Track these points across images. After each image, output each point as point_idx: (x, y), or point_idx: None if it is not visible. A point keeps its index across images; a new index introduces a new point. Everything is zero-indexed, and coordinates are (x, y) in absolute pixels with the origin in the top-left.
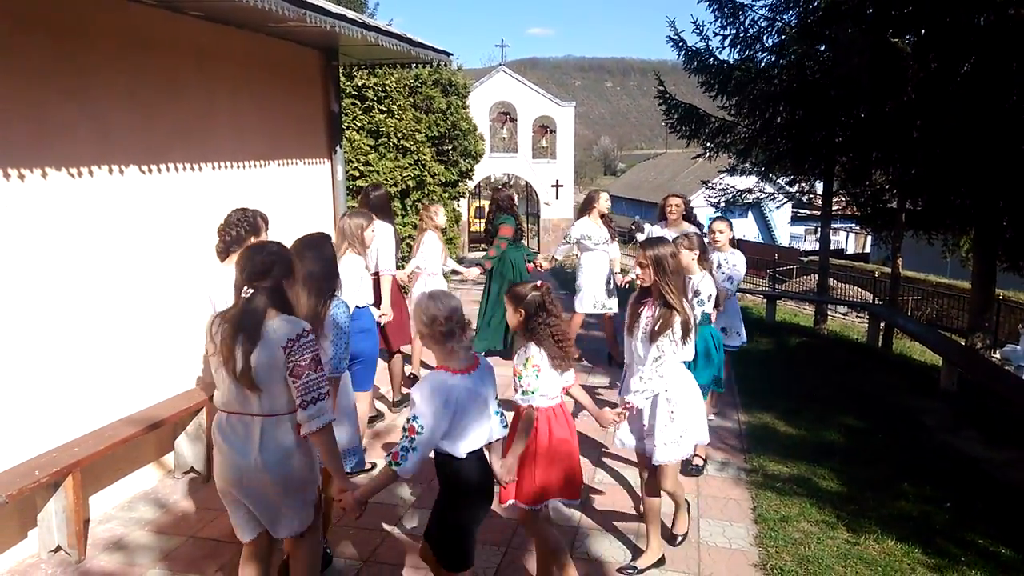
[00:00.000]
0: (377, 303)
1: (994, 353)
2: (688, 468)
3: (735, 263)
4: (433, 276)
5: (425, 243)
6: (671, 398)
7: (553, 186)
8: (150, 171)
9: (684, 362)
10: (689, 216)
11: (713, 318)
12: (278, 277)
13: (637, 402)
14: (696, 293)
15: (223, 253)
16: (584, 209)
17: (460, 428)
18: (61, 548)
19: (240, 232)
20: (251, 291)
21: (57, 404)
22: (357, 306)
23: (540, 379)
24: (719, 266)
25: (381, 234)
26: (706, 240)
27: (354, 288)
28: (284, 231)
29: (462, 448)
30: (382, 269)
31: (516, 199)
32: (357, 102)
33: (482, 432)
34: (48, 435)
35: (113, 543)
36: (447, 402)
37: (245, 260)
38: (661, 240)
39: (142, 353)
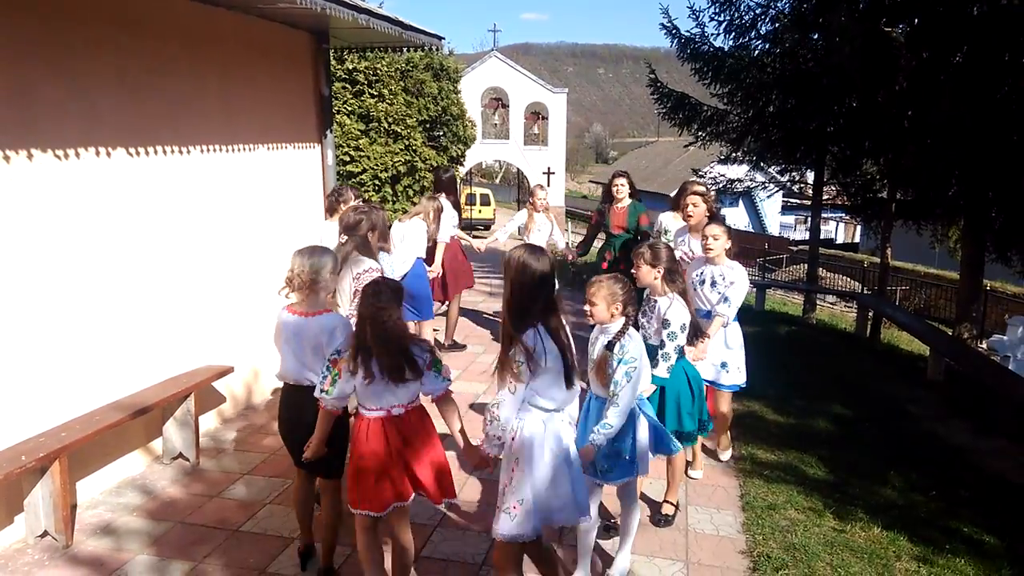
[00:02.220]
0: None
1: (981, 343)
2: (657, 519)
3: (733, 280)
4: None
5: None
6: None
7: (544, 173)
8: (138, 154)
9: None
10: (715, 218)
11: (701, 353)
12: (364, 230)
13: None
14: (665, 323)
15: (327, 212)
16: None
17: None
18: (48, 533)
19: (332, 200)
20: (345, 238)
21: (44, 389)
22: (418, 257)
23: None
24: (713, 284)
25: (446, 212)
26: (700, 248)
27: (417, 245)
28: (273, 216)
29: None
30: (438, 238)
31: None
32: (348, 86)
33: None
34: (35, 420)
35: (101, 528)
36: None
37: (344, 217)
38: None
39: (130, 338)
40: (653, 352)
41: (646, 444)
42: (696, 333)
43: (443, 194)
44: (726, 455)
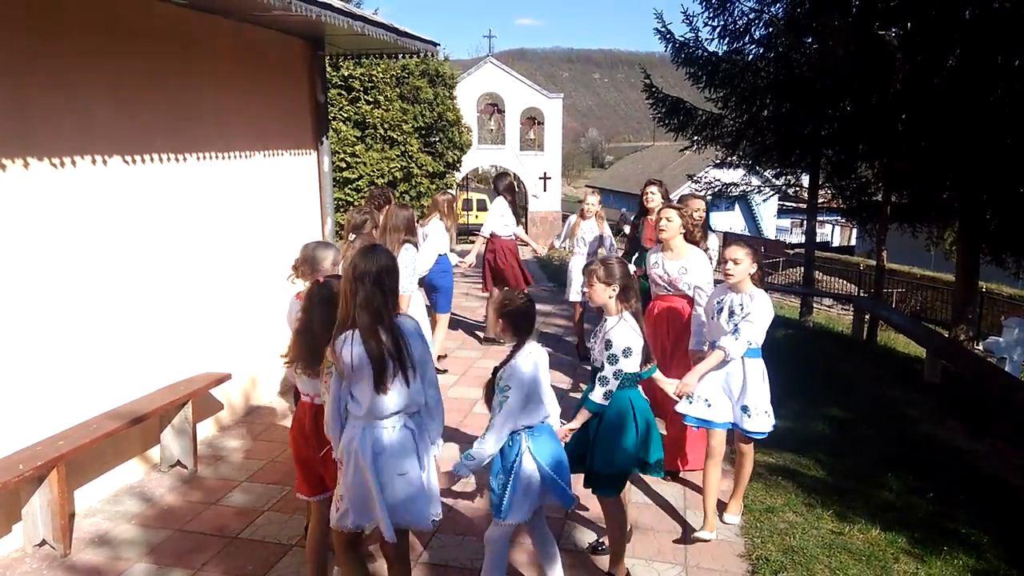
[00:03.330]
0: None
1: (977, 345)
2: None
3: (751, 311)
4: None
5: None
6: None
7: (541, 178)
8: (134, 162)
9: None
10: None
11: (687, 388)
12: (369, 229)
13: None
14: (607, 344)
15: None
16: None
17: None
18: (46, 542)
19: (372, 206)
20: (353, 236)
21: (42, 397)
22: (441, 254)
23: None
24: (731, 313)
25: (493, 208)
26: (676, 270)
27: (438, 242)
28: (270, 223)
29: None
30: (482, 231)
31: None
32: (343, 92)
33: None
34: (32, 429)
35: (98, 537)
36: None
37: (350, 217)
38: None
39: (127, 346)
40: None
41: (526, 488)
42: (647, 359)
43: (500, 197)
44: (734, 518)
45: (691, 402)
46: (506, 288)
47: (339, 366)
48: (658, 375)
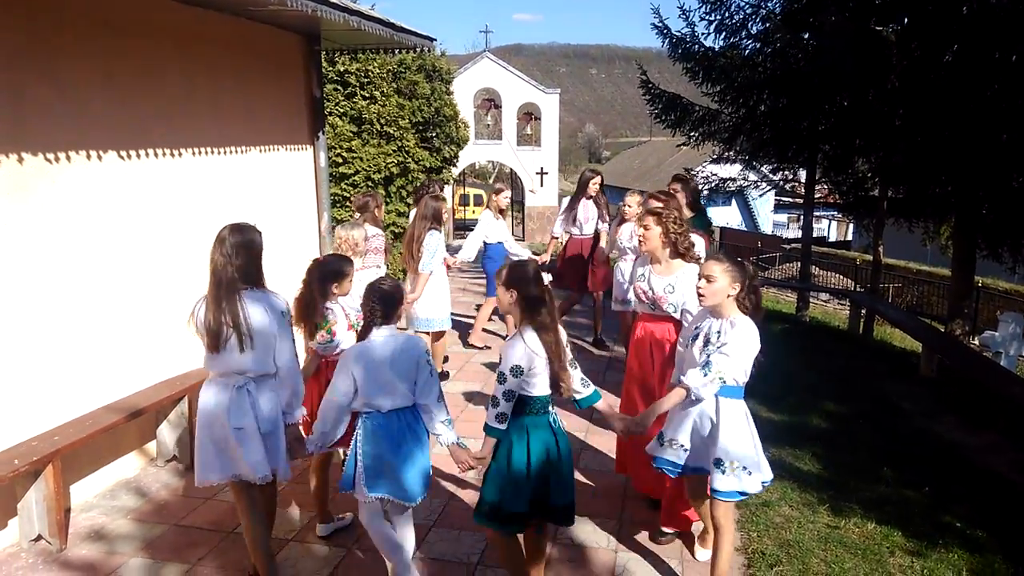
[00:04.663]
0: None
1: (973, 339)
2: None
3: (729, 341)
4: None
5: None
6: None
7: (538, 173)
8: (130, 156)
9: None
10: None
11: (636, 427)
12: (371, 208)
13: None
14: (500, 360)
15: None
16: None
17: None
18: (42, 537)
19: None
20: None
21: (37, 392)
22: (489, 242)
23: None
24: (707, 342)
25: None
26: (661, 287)
27: (480, 232)
28: (266, 218)
29: None
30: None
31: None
32: (339, 88)
33: None
34: (28, 423)
35: (95, 532)
36: None
37: (355, 200)
38: None
39: (123, 341)
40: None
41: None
42: (555, 385)
43: (582, 196)
44: (703, 554)
45: (662, 444)
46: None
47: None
48: (602, 406)
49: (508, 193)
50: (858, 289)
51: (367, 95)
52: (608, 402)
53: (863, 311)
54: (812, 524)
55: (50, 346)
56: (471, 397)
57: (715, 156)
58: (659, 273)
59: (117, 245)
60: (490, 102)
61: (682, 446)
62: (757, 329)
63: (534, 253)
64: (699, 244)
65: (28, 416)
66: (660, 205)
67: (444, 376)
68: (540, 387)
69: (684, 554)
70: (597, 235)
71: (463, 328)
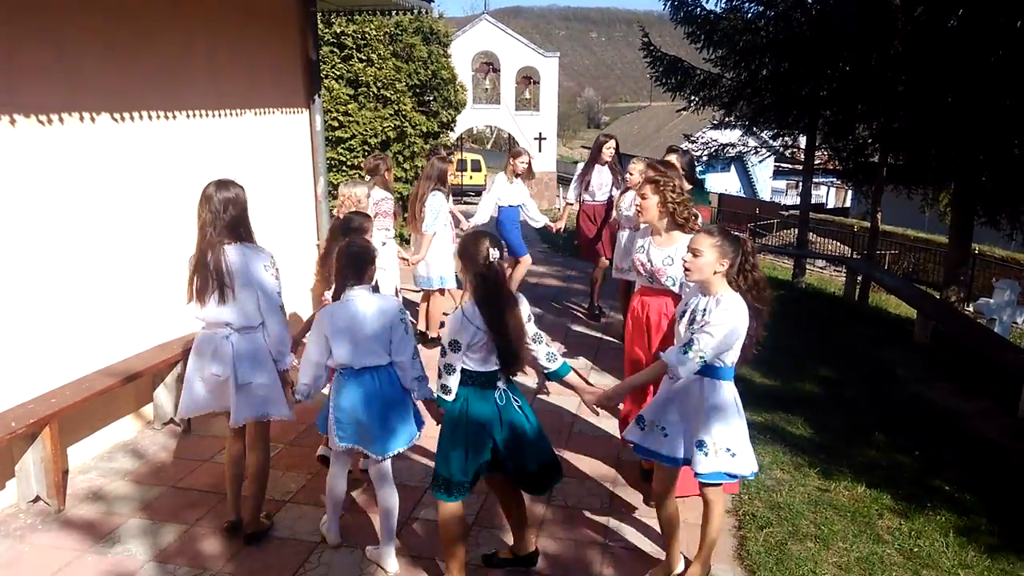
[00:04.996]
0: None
1: (967, 306)
2: None
3: (713, 320)
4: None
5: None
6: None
7: (536, 139)
8: (123, 119)
9: None
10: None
11: (607, 400)
12: (382, 171)
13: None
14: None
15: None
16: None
17: None
18: (40, 498)
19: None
20: (368, 178)
21: (34, 355)
22: (502, 206)
23: None
24: (692, 321)
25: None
26: (660, 259)
27: (493, 196)
28: (262, 181)
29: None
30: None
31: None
32: (336, 50)
33: None
34: (25, 386)
35: (93, 493)
36: None
37: (366, 164)
38: None
39: (119, 304)
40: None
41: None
42: (507, 359)
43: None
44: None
45: (642, 427)
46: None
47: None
48: (573, 379)
49: (526, 158)
50: (855, 256)
51: (363, 57)
52: (580, 374)
53: (859, 278)
54: (802, 487)
55: (46, 309)
56: None
57: (715, 122)
58: (658, 244)
59: (112, 208)
60: (488, 65)
61: (663, 430)
62: (746, 308)
63: (548, 221)
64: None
65: (25, 379)
66: (660, 172)
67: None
68: (483, 363)
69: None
70: (611, 202)
71: None
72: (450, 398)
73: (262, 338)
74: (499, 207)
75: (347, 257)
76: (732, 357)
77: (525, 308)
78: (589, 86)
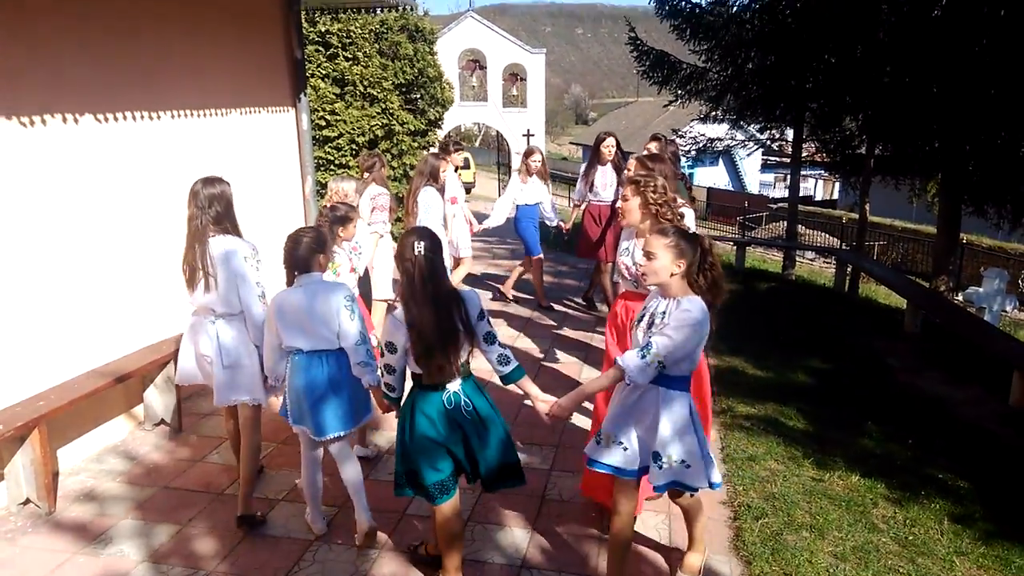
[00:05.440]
0: None
1: (957, 296)
2: None
3: (672, 322)
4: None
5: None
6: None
7: (524, 135)
8: (106, 119)
9: None
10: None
11: (560, 410)
12: (377, 168)
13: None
14: None
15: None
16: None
17: None
18: (30, 500)
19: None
20: (367, 175)
21: (21, 357)
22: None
23: None
24: (651, 326)
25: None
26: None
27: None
28: (250, 181)
29: None
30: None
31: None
32: (321, 49)
33: None
34: (12, 389)
35: (84, 495)
36: None
37: (360, 161)
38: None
39: (108, 306)
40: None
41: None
42: (419, 359)
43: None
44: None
45: (599, 442)
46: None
47: None
48: (526, 384)
49: (539, 156)
50: (844, 247)
51: (349, 56)
52: (536, 382)
53: (848, 268)
54: (797, 477)
55: (33, 311)
56: None
57: (702, 115)
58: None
59: (99, 209)
60: (475, 63)
61: (622, 445)
62: (707, 313)
63: (560, 220)
64: (689, 218)
65: (13, 381)
66: (643, 173)
67: None
68: (411, 363)
69: (671, 507)
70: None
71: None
72: (395, 395)
73: (244, 325)
74: (516, 206)
75: (291, 246)
76: (689, 365)
77: (473, 307)
78: (576, 82)
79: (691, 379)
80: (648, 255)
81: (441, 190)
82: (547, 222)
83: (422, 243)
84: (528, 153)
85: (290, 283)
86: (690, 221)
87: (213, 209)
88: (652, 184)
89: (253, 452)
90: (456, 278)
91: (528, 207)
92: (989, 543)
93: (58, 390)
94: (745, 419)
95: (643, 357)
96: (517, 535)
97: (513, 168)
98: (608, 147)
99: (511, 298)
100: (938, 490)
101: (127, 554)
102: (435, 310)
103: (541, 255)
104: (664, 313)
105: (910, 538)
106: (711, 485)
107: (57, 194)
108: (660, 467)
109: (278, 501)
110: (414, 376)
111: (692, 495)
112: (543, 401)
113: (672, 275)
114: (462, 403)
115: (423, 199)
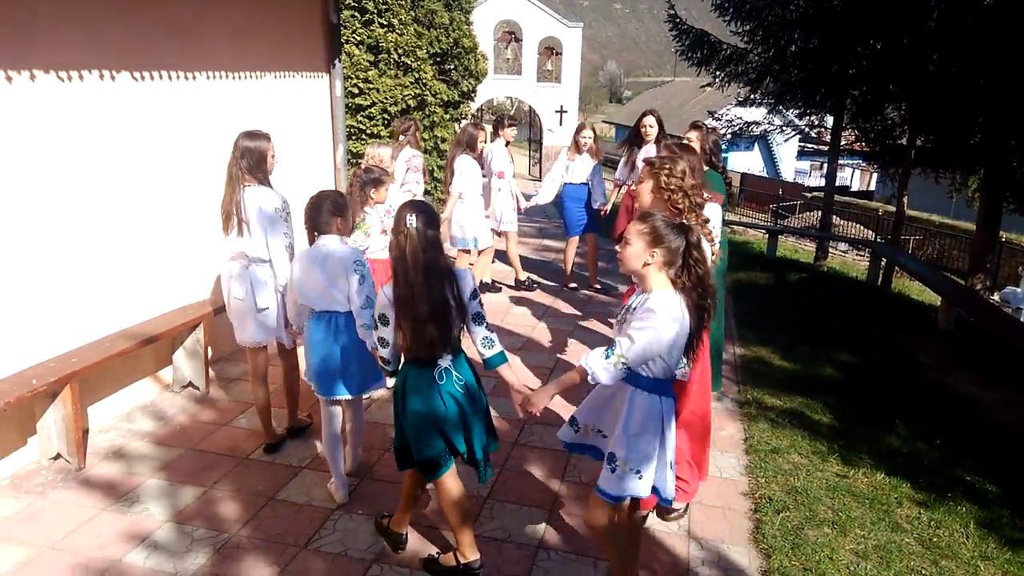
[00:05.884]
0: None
1: (993, 295)
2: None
3: (641, 321)
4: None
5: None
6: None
7: (557, 111)
8: (143, 78)
9: None
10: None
11: (529, 405)
12: (412, 131)
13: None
14: None
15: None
16: None
17: None
18: (61, 456)
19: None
20: (402, 138)
21: (55, 315)
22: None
23: None
24: (623, 322)
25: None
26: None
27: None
28: (282, 146)
29: None
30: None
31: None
32: (357, 14)
33: None
34: (46, 345)
35: (112, 452)
36: None
37: (396, 126)
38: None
39: (139, 267)
40: None
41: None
42: (408, 336)
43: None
44: None
45: (576, 430)
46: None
47: None
48: (505, 372)
49: (590, 132)
50: (879, 240)
51: (384, 23)
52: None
53: (883, 262)
54: (821, 472)
55: (65, 269)
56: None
57: (740, 99)
58: None
59: (133, 168)
60: (510, 35)
61: (600, 432)
62: (681, 310)
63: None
64: (714, 213)
65: (46, 338)
66: (664, 156)
67: (493, 288)
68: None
69: (697, 497)
70: None
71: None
72: (390, 368)
73: (272, 271)
74: (564, 184)
75: (311, 208)
76: (662, 370)
77: (466, 284)
78: (612, 59)
79: (678, 384)
80: (624, 240)
81: (479, 159)
82: (593, 203)
83: (414, 216)
84: (579, 128)
85: (311, 243)
86: (715, 219)
87: (245, 160)
88: (668, 167)
89: (289, 390)
90: (511, 252)
91: (575, 186)
92: (1016, 549)
93: (90, 348)
94: (770, 411)
95: (607, 357)
96: (535, 515)
97: (545, 144)
98: (649, 125)
99: (599, 287)
100: (965, 492)
101: (152, 513)
102: (426, 283)
103: (576, 237)
104: (634, 308)
105: (934, 540)
106: (662, 500)
107: (92, 150)
108: (612, 470)
109: (301, 469)
110: (405, 352)
111: (642, 515)
112: (516, 391)
113: (645, 265)
114: (454, 378)
115: (458, 165)
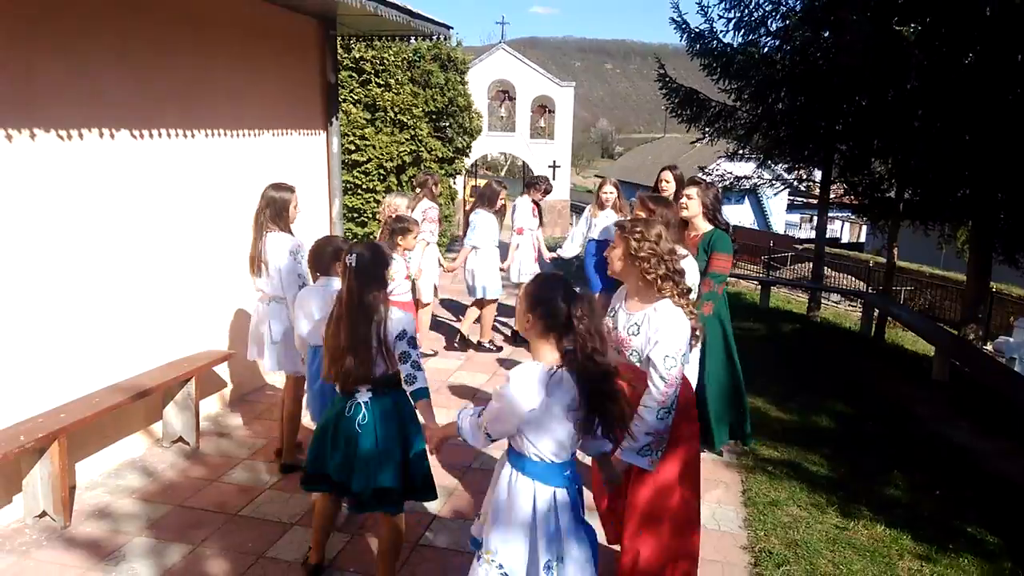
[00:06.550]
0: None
1: (986, 345)
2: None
3: (496, 393)
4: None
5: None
6: None
7: (550, 167)
8: (142, 136)
9: None
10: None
11: None
12: (429, 185)
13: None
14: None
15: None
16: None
17: None
18: (46, 513)
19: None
20: (418, 190)
21: (44, 370)
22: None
23: None
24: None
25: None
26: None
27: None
28: None
29: None
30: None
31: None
32: (354, 75)
33: None
34: (34, 401)
35: (99, 510)
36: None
37: (416, 178)
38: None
39: (131, 322)
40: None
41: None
42: (335, 355)
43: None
44: None
45: (478, 515)
46: None
47: None
48: (422, 407)
49: (611, 188)
50: (870, 291)
51: (381, 83)
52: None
53: (876, 312)
54: (820, 525)
55: (58, 324)
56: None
57: (729, 153)
58: (628, 308)
59: (127, 225)
60: (504, 94)
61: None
62: (537, 390)
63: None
64: (690, 269)
65: (34, 393)
66: (638, 218)
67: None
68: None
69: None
70: None
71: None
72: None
73: (287, 307)
74: (587, 241)
75: (316, 251)
76: (552, 449)
77: (395, 325)
78: (603, 116)
79: (646, 474)
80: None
81: (499, 215)
82: None
83: (355, 254)
84: (601, 184)
85: (314, 280)
86: (691, 274)
87: (270, 209)
88: (640, 231)
89: (289, 420)
90: (487, 314)
91: (598, 243)
92: None
93: (79, 404)
94: (768, 463)
95: (478, 416)
96: None
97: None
98: (666, 181)
99: None
100: (967, 544)
101: (138, 573)
102: (351, 317)
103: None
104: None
105: None
106: None
107: (88, 207)
108: (478, 559)
109: (291, 525)
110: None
111: None
112: (430, 429)
113: (526, 329)
114: (362, 415)
115: (474, 219)
